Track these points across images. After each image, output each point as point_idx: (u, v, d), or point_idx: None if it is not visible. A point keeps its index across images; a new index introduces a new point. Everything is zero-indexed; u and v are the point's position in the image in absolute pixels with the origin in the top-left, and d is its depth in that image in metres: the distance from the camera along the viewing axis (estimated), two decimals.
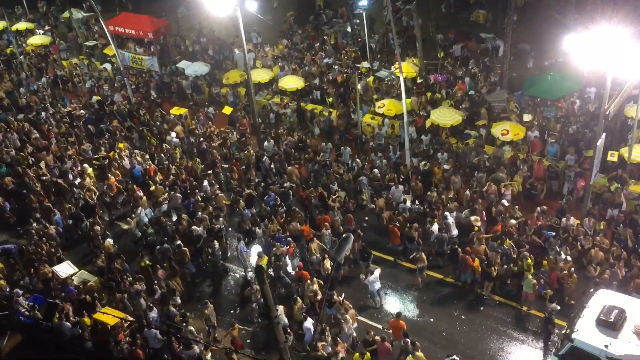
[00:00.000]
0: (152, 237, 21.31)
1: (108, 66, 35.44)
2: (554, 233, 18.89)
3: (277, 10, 40.21)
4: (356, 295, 19.04)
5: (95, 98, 31.87)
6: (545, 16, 32.74)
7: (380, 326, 17.63)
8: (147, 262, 19.74)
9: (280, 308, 16.85)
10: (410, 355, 15.41)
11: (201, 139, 26.71)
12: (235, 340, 16.73)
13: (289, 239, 20.01)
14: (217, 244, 20.36)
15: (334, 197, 21.67)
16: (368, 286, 18.40)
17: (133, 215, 22.19)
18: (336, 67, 31.94)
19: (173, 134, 27.37)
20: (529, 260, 18.05)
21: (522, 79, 28.26)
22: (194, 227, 20.80)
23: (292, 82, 30.04)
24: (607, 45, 17.36)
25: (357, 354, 15.80)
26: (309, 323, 16.76)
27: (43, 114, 29.73)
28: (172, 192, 22.88)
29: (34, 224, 21.64)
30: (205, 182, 23.29)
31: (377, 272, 18.38)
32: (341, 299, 17.31)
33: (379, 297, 18.89)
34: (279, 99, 29.78)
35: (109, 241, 20.87)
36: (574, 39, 19.76)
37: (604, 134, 19.49)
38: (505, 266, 18.35)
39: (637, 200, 20.61)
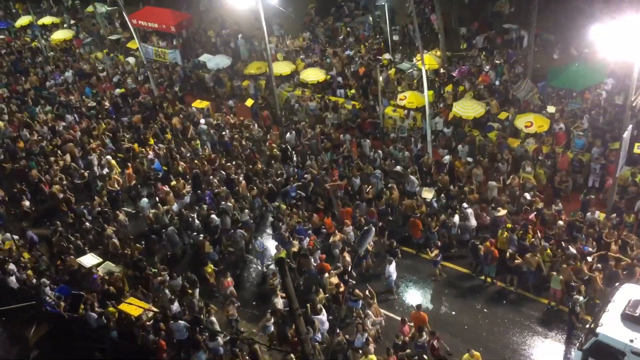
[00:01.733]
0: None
1: (131, 60, 35.79)
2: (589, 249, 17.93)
3: (298, 3, 40.13)
4: (376, 289, 19.02)
5: (118, 91, 32.25)
6: (571, 6, 32.17)
7: (400, 318, 17.56)
8: (211, 267, 19.45)
9: (323, 316, 16.91)
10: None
11: (224, 132, 26.86)
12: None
13: (310, 231, 20.09)
14: (239, 234, 20.52)
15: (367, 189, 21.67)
16: (386, 276, 18.51)
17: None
18: (358, 59, 31.84)
19: (202, 121, 27.80)
20: (549, 251, 17.92)
21: (546, 70, 27.87)
22: (212, 216, 21.01)
23: (313, 75, 30.03)
24: (634, 35, 17.03)
25: None
26: (323, 316, 16.87)
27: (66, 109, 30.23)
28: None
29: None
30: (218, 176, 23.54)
31: (394, 263, 18.47)
32: (366, 292, 17.35)
33: (395, 288, 18.96)
34: (300, 92, 29.80)
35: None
36: (601, 29, 19.41)
37: (631, 125, 19.15)
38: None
39: None
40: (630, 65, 17.92)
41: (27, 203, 24.07)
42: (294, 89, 30.49)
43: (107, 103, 30.70)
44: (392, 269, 18.44)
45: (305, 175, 22.85)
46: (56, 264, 20.53)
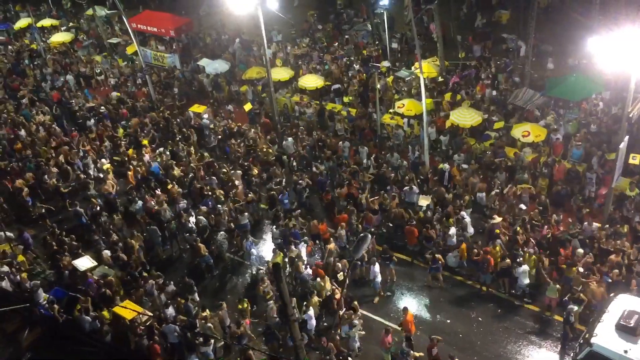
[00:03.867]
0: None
1: (129, 63, 35.81)
2: (610, 280, 17.39)
3: (298, 9, 40.30)
4: (367, 294, 19.17)
5: (114, 94, 32.26)
6: (569, 18, 32.41)
7: (394, 326, 17.53)
8: (246, 304, 18.18)
9: (311, 312, 17.02)
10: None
11: (220, 136, 26.90)
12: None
13: (306, 237, 20.11)
14: (222, 236, 20.59)
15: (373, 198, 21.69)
16: (371, 277, 18.63)
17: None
18: (356, 66, 31.93)
19: (205, 116, 28.08)
20: (534, 257, 18.02)
21: (543, 80, 28.00)
22: (199, 217, 21.20)
23: (311, 81, 30.09)
24: (631, 47, 17.14)
25: None
26: (310, 311, 16.98)
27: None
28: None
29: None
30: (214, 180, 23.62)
31: (377, 264, 18.60)
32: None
33: (390, 294, 19.11)
34: (298, 98, 29.86)
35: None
36: (598, 41, 19.54)
37: (627, 136, 19.25)
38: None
39: None
40: (627, 77, 18.04)
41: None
42: (292, 94, 30.54)
43: (102, 108, 30.63)
44: (376, 269, 18.50)
45: (300, 182, 22.91)
46: (51, 265, 20.44)
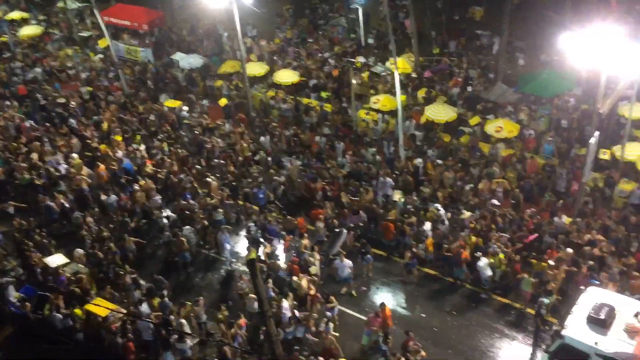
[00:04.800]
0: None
1: (101, 57, 35.26)
2: (598, 282, 17.10)
3: (273, 4, 40.03)
4: (345, 291, 19.19)
5: (85, 89, 31.71)
6: (541, 14, 32.78)
7: (366, 318, 17.56)
8: (225, 313, 17.77)
9: (285, 303, 16.95)
10: None
11: (197, 131, 26.69)
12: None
13: (283, 232, 20.05)
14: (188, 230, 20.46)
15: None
16: (338, 272, 18.63)
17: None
18: (332, 61, 31.89)
19: (185, 108, 27.98)
20: (501, 256, 18.25)
21: (516, 76, 28.30)
22: (169, 213, 21.18)
23: (287, 76, 29.96)
24: (602, 44, 17.42)
25: None
26: (285, 304, 16.95)
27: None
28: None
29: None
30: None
31: (347, 261, 18.62)
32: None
33: (350, 285, 19.08)
34: (273, 93, 29.73)
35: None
36: (570, 38, 19.81)
37: (597, 132, 19.58)
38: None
39: (627, 198, 20.78)
40: (598, 74, 18.33)
41: None
42: (267, 90, 30.38)
43: (73, 102, 30.08)
44: (342, 264, 18.54)
45: (275, 177, 22.82)
46: (21, 262, 20.06)
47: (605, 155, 21.99)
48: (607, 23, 18.25)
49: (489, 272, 18.30)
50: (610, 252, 17.98)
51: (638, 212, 20.01)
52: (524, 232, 19.39)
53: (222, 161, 24.43)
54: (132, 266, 19.64)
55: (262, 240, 20.14)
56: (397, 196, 21.56)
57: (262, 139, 25.87)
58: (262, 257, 19.22)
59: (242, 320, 17.04)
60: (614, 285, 16.74)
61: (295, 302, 17.68)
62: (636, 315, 14.44)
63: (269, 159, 24.55)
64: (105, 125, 27.72)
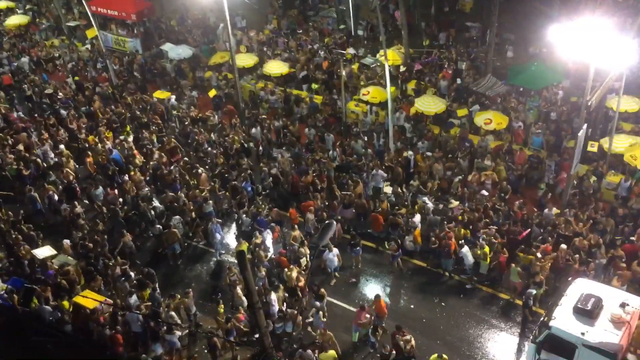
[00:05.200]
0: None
1: (87, 47, 34.92)
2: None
3: None
4: (335, 283, 19.28)
5: (71, 79, 31.40)
6: (530, 6, 32.84)
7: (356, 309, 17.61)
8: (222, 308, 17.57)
9: (273, 296, 16.98)
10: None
11: (186, 122, 26.53)
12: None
13: (272, 224, 20.03)
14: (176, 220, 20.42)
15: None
16: (327, 262, 18.71)
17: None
18: (322, 52, 31.79)
19: (173, 97, 27.87)
20: (486, 249, 18.33)
21: (505, 68, 28.36)
22: (155, 202, 21.11)
23: (276, 68, 29.84)
24: (590, 36, 17.47)
25: None
26: (273, 296, 17.01)
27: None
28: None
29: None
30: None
31: (335, 250, 18.69)
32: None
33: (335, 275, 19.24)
34: (263, 84, 29.60)
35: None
36: (558, 30, 19.85)
37: (585, 124, 19.68)
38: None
39: (615, 190, 20.93)
40: (587, 66, 18.39)
41: None
42: (257, 81, 30.23)
43: (61, 93, 29.77)
44: (331, 255, 18.62)
45: (265, 169, 22.80)
46: (8, 254, 19.90)
47: (593, 147, 22.12)
48: (596, 15, 18.28)
49: (471, 259, 18.44)
50: (597, 243, 18.11)
51: (625, 204, 20.19)
52: (517, 226, 19.41)
53: (213, 151, 24.32)
54: (124, 258, 19.54)
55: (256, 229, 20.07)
56: (389, 189, 21.59)
57: (253, 130, 25.76)
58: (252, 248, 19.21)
59: (242, 315, 17.03)
60: (617, 280, 16.78)
61: (285, 294, 17.70)
62: (622, 306, 14.58)
63: (260, 148, 24.47)
64: (98, 115, 27.50)
